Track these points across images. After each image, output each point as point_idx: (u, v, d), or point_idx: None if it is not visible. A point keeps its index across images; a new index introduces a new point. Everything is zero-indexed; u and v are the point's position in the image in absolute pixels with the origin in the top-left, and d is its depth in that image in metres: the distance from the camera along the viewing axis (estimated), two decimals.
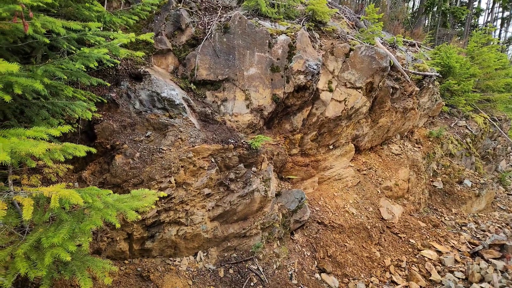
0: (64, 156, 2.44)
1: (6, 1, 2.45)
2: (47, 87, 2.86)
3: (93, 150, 2.78)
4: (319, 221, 6.25)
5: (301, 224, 5.99)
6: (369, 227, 6.56)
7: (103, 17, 3.85)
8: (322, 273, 5.47)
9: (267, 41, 5.61)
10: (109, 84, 3.90)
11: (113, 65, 4.28)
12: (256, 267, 4.87)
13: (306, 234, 5.99)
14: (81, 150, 2.56)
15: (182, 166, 4.31)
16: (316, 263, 5.64)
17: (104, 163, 4.11)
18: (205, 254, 4.70)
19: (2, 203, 2.01)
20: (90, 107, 3.45)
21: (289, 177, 6.51)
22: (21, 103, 3.01)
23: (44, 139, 2.26)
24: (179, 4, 5.47)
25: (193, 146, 4.44)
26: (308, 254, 5.69)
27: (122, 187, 3.99)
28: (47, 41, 2.79)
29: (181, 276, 4.29)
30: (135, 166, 4.04)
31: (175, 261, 4.45)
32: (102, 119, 4.13)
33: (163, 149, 4.27)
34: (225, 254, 4.85)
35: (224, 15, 5.76)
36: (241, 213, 4.90)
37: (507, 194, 11.32)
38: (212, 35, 5.32)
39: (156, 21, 5.26)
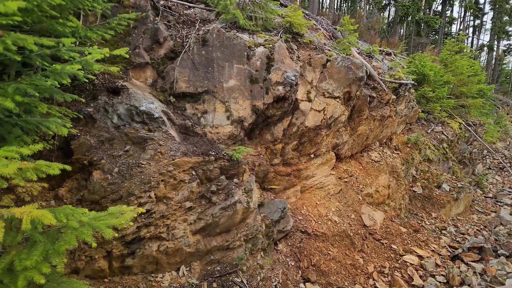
0: (37, 174, 2.38)
1: None
2: (19, 104, 2.79)
3: (68, 168, 2.72)
4: (303, 230, 6.27)
5: (285, 234, 6.00)
6: (351, 234, 6.62)
7: (77, 32, 3.80)
8: (306, 283, 5.47)
9: (246, 53, 5.67)
10: (83, 100, 3.85)
11: (88, 80, 4.23)
12: (240, 280, 4.83)
13: (290, 244, 5.99)
14: (55, 168, 2.49)
15: (162, 180, 4.27)
16: (300, 272, 5.64)
17: (82, 179, 4.03)
18: (187, 268, 4.63)
19: None
20: (65, 123, 3.38)
21: (272, 187, 6.53)
22: None
23: (15, 158, 2.20)
24: (156, 18, 5.48)
25: (173, 160, 4.41)
26: (292, 264, 5.69)
27: (100, 203, 3.92)
28: (18, 58, 2.73)
29: None
30: (114, 182, 3.98)
31: (157, 277, 4.37)
32: (78, 134, 4.06)
33: (142, 164, 4.22)
34: (208, 268, 4.80)
35: (202, 28, 5.80)
36: (223, 226, 4.87)
37: (485, 196, 11.65)
38: (191, 48, 5.35)
39: (134, 35, 5.24)
